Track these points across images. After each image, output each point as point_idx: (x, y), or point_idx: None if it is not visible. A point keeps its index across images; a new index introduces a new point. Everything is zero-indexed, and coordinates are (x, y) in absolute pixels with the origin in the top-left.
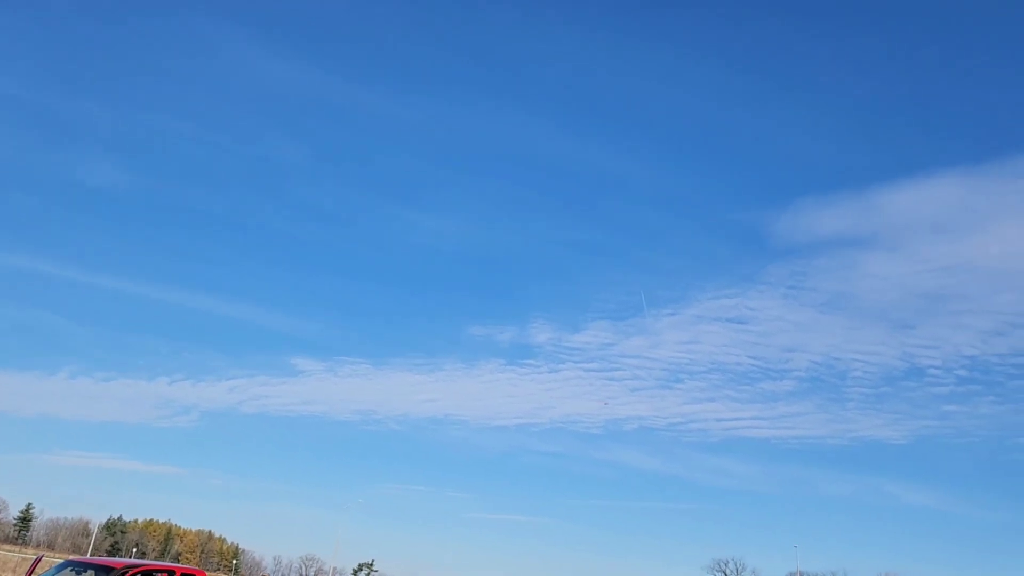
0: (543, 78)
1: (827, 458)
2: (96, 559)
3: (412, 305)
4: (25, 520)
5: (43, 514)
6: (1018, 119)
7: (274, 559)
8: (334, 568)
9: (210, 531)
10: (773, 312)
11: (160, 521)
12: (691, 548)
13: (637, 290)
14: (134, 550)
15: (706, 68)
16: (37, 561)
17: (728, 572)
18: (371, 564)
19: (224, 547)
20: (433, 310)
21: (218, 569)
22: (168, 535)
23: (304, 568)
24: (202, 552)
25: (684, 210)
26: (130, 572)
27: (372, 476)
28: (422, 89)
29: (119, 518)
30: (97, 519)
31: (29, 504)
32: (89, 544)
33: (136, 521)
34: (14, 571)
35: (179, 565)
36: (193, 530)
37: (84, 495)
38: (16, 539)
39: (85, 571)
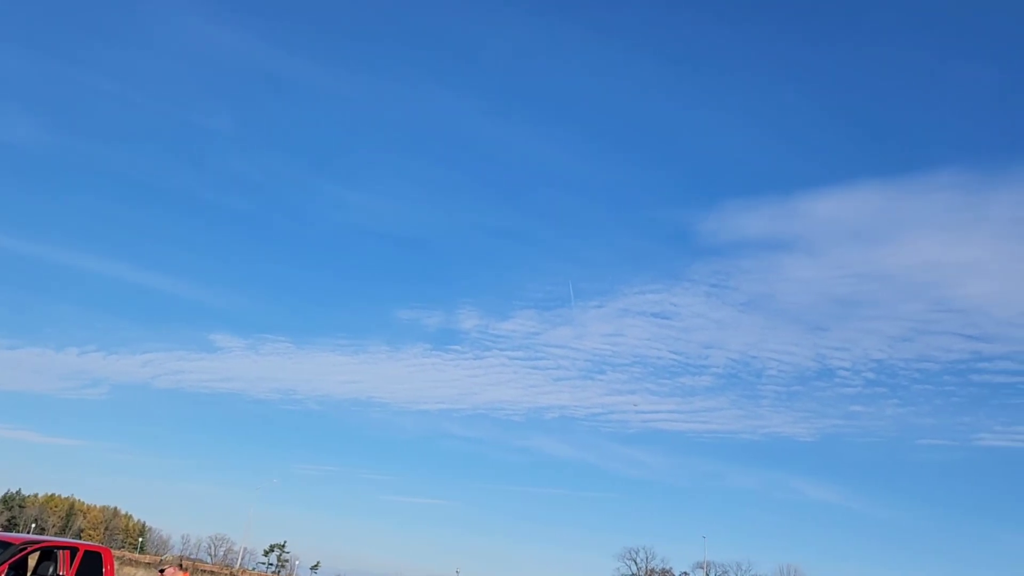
0: (479, 62)
1: (738, 452)
2: None
3: (338, 284)
4: None
5: None
6: (939, 133)
7: (182, 537)
8: (244, 548)
9: (115, 507)
10: (695, 309)
11: (62, 496)
12: (603, 536)
13: (565, 281)
14: (32, 525)
15: (640, 64)
16: None
17: (638, 560)
18: (283, 545)
19: (130, 524)
20: (360, 290)
21: (123, 547)
22: (71, 510)
23: (213, 548)
24: (106, 529)
25: (614, 204)
26: (29, 548)
27: (288, 456)
28: (356, 64)
29: (17, 492)
30: None
31: None
32: None
33: (36, 495)
34: None
35: (82, 542)
36: (97, 506)
37: None
38: None
39: None
